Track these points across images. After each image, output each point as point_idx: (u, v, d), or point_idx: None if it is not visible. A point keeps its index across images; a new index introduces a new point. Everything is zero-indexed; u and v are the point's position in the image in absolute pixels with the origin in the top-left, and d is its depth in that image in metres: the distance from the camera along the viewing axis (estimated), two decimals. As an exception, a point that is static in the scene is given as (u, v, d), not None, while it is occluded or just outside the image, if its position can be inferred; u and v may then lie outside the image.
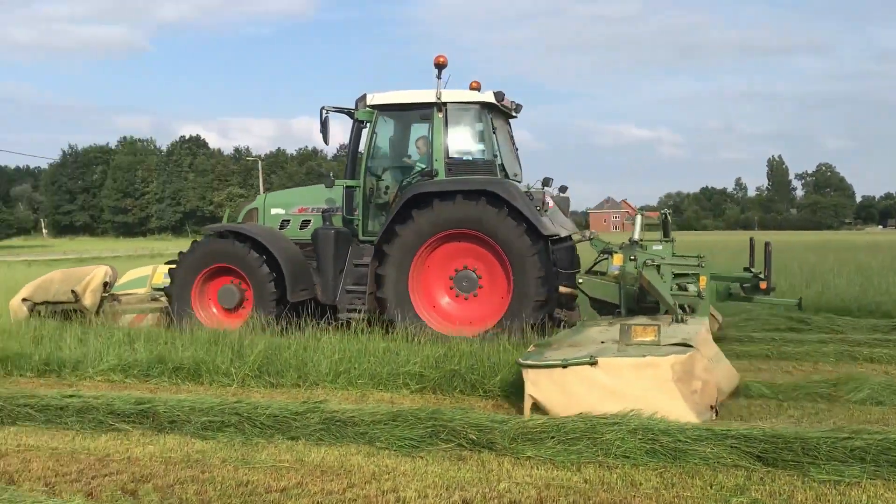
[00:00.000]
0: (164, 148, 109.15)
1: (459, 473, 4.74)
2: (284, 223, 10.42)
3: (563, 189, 10.44)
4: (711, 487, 4.44)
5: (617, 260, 8.53)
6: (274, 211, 10.60)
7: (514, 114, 10.59)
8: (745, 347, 9.03)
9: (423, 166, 9.56)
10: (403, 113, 10.01)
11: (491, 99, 9.55)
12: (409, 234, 9.07)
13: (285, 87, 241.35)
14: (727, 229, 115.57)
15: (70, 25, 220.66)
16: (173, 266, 9.97)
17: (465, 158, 9.54)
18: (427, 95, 9.46)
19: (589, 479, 4.62)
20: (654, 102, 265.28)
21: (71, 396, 6.31)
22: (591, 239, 9.69)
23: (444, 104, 9.40)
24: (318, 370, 7.37)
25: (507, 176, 9.74)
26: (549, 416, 5.64)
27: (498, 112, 9.98)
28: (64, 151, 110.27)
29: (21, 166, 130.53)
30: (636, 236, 8.81)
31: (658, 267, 8.52)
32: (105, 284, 10.32)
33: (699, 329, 7.17)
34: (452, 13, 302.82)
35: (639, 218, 9.05)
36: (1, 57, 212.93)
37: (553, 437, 5.12)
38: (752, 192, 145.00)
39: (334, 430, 5.49)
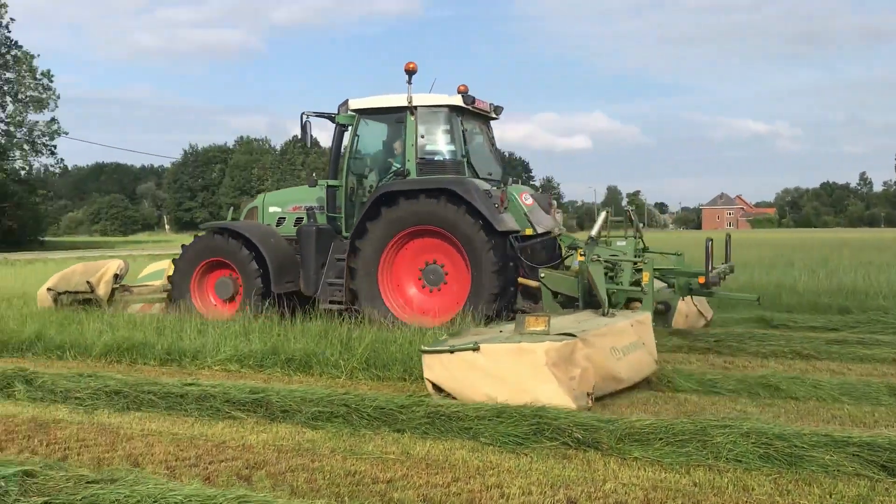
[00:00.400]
0: (278, 147, 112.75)
1: (564, 472, 4.69)
2: (280, 220, 11.16)
3: (544, 188, 11.22)
4: (831, 497, 4.22)
5: (580, 256, 8.88)
6: (272, 209, 11.37)
7: (493, 115, 11.16)
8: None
9: (399, 166, 10.19)
10: (381, 116, 10.61)
11: (459, 102, 10.17)
12: (378, 230, 9.68)
13: (394, 84, 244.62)
14: (849, 226, 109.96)
15: (191, 30, 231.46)
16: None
17: (435, 159, 10.13)
18: (401, 100, 10.11)
19: (698, 482, 4.49)
20: (772, 94, 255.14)
21: (190, 385, 6.60)
22: (559, 235, 10.21)
23: (415, 108, 10.06)
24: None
25: (476, 175, 10.25)
26: (653, 418, 5.51)
27: (471, 114, 10.61)
28: (185, 151, 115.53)
29: (146, 165, 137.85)
30: (593, 232, 9.07)
31: (615, 264, 8.84)
32: (116, 276, 11.36)
33: (616, 321, 7.48)
34: (563, 6, 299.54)
35: (603, 214, 9.42)
36: (128, 61, 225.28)
37: (661, 439, 5.00)
38: (878, 187, 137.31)
39: (439, 424, 5.53)
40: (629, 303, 8.83)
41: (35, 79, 56.07)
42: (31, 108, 55.92)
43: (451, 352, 6.41)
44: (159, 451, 5.16)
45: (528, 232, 10.10)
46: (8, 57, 55.44)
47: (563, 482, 4.51)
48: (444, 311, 9.49)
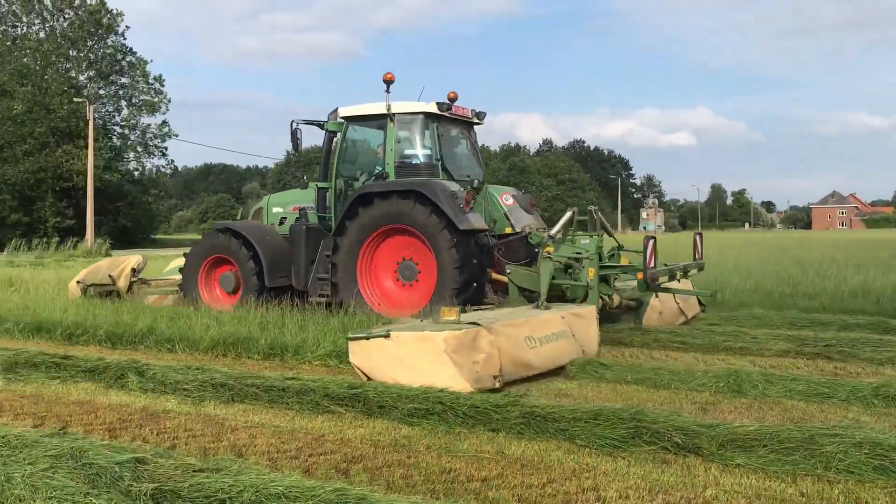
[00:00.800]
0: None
1: (663, 477, 4.58)
2: (282, 220, 11.96)
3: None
4: (952, 513, 3.98)
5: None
6: (275, 210, 12.31)
7: (475, 120, 11.80)
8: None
9: (381, 169, 10.91)
10: (365, 123, 11.35)
11: (433, 109, 10.79)
12: (355, 229, 10.41)
13: (490, 84, 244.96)
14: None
15: (293, 34, 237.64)
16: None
17: (412, 162, 10.88)
18: (382, 107, 10.88)
19: (806, 492, 4.30)
20: (890, 86, 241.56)
21: (292, 379, 6.78)
22: (528, 234, 10.69)
23: (394, 115, 10.81)
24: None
25: (451, 177, 10.83)
26: (723, 419, 5.33)
27: (449, 121, 11.28)
28: (288, 152, 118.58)
29: (251, 166, 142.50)
30: (553, 231, 9.80)
31: (573, 262, 9.45)
32: (133, 271, 12.57)
33: (542, 314, 8.19)
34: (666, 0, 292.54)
35: (568, 214, 10.01)
36: (233, 65, 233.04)
37: (766, 446, 4.82)
38: None
39: (534, 425, 5.49)
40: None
41: (148, 83, 58.74)
42: (144, 111, 58.61)
43: (367, 338, 7.09)
44: (262, 443, 5.31)
45: (508, 230, 10.89)
46: (123, 63, 58.29)
47: (661, 487, 4.40)
48: (417, 304, 9.93)
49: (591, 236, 9.95)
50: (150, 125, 59.20)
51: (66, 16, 57.04)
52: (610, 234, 10.61)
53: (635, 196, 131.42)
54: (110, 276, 12.62)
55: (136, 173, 59.92)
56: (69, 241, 40.61)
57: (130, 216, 56.93)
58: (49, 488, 4.05)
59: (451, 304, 9.05)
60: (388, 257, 10.58)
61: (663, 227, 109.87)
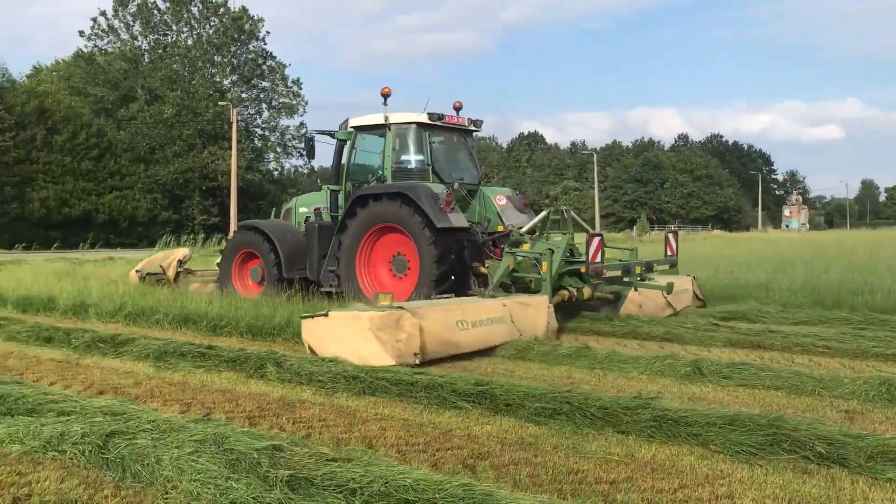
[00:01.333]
0: (504, 145, 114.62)
1: (804, 488, 4.35)
2: (307, 218, 12.98)
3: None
4: None
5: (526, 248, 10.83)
6: (301, 210, 13.47)
7: (472, 128, 12.87)
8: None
9: (381, 173, 12.10)
10: (370, 132, 12.46)
11: (425, 119, 11.93)
12: (354, 227, 11.57)
13: (622, 78, 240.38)
14: None
15: (424, 35, 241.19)
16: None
17: (406, 167, 12.05)
18: (381, 118, 12.10)
19: (967, 512, 3.98)
20: None
21: (420, 374, 6.88)
22: (510, 232, 11.56)
23: (390, 125, 12.01)
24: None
25: (441, 180, 11.91)
26: None
27: (443, 128, 12.43)
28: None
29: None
30: (524, 229, 11.23)
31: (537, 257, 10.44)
32: (179, 262, 14.53)
33: (483, 301, 9.39)
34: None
35: (543, 213, 11.39)
36: (366, 67, 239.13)
37: (921, 460, 4.49)
38: None
39: (666, 428, 5.34)
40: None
41: (287, 87, 61.28)
42: (283, 113, 61.21)
43: (312, 317, 8.28)
44: (391, 435, 5.42)
45: (500, 228, 11.97)
46: (264, 67, 61.02)
47: (802, 498, 4.18)
48: (406, 294, 10.81)
49: (564, 234, 11.02)
50: (288, 127, 61.80)
51: (212, 23, 60.26)
52: (587, 232, 11.14)
53: (777, 193, 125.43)
54: (161, 266, 14.68)
55: (276, 173, 62.60)
56: (214, 237, 42.97)
57: (269, 214, 59.48)
58: (194, 471, 4.29)
59: (428, 292, 10.44)
60: (383, 252, 11.70)
61: (807, 224, 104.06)
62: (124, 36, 60.30)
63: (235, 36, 59.68)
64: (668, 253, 12.05)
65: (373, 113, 12.32)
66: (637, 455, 4.99)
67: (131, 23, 60.26)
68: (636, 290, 11.24)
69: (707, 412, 5.47)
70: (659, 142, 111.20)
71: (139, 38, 60.81)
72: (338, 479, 4.11)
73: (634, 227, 74.73)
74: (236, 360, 7.76)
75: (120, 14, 59.76)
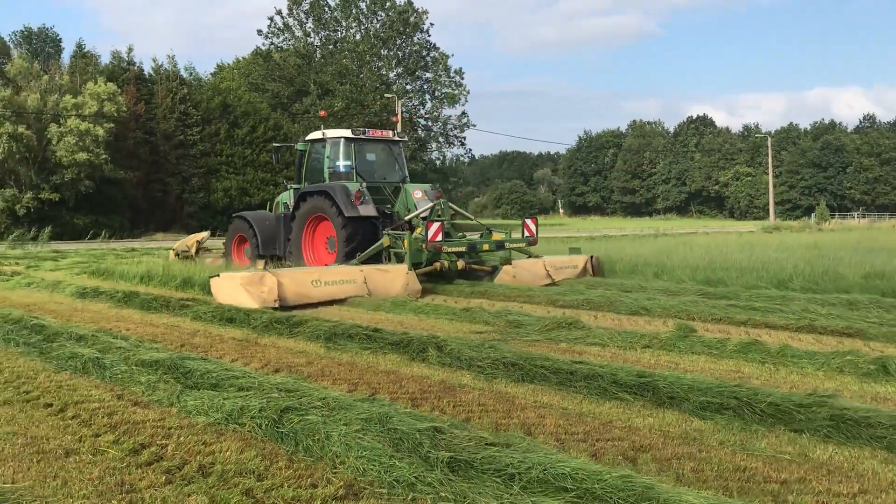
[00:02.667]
0: (671, 129, 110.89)
1: None
2: (286, 208, 16.67)
3: (434, 187, 16.17)
4: None
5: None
6: (284, 202, 17.07)
7: (396, 139, 16.61)
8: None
9: (323, 176, 15.80)
10: (317, 144, 16.33)
11: (349, 134, 15.83)
12: (299, 217, 15.62)
13: (797, 57, 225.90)
14: None
15: (587, 19, 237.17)
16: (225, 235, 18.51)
17: (337, 170, 15.64)
18: (321, 134, 16.07)
19: None
20: None
21: (579, 363, 6.81)
22: (410, 219, 14.95)
23: (327, 139, 15.93)
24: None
25: (364, 180, 15.31)
26: None
27: (368, 140, 16.12)
28: (580, 137, 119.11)
29: (542, 152, 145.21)
30: (409, 216, 14.97)
31: (400, 237, 13.86)
32: (198, 242, 19.43)
33: (339, 268, 13.14)
34: None
35: (429, 204, 14.68)
36: (528, 54, 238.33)
37: None
38: None
39: (845, 429, 5.00)
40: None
41: (449, 77, 62.21)
42: (446, 103, 62.20)
43: (211, 277, 12.36)
44: (550, 423, 5.41)
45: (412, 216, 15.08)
46: (427, 59, 62.24)
47: None
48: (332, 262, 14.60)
49: (443, 220, 13.94)
50: (450, 116, 62.77)
51: (379, 17, 62.13)
52: (469, 219, 16.64)
53: None
54: (187, 245, 19.51)
55: (438, 162, 63.77)
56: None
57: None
58: (360, 448, 4.48)
59: (345, 264, 13.75)
60: (321, 235, 15.55)
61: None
62: (298, 33, 63.41)
63: (401, 29, 61.22)
64: (527, 234, 14.90)
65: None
66: (811, 455, 4.72)
67: (304, 20, 63.26)
68: (510, 263, 14.47)
69: (892, 413, 5.09)
70: (841, 123, 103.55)
71: (311, 35, 63.75)
72: (496, 464, 4.17)
73: (812, 214, 70.08)
74: (400, 342, 8.01)
75: (294, 12, 62.87)
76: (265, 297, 11.20)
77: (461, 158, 69.31)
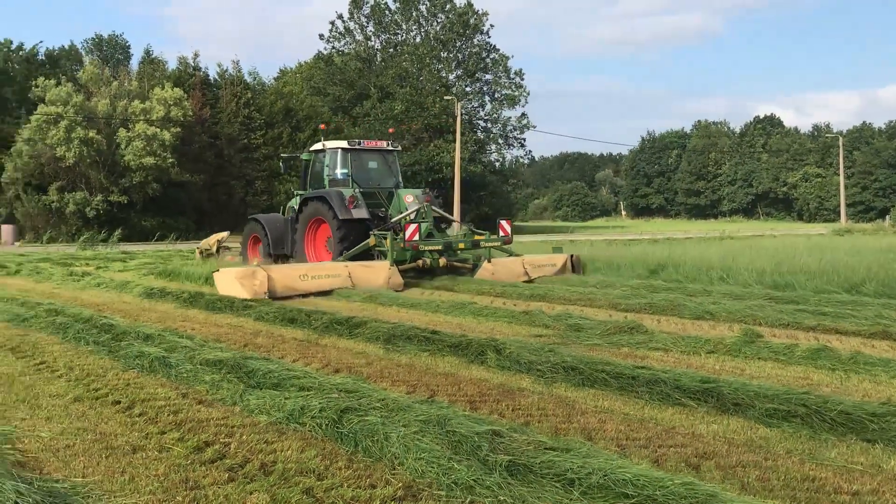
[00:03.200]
0: (737, 129, 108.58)
1: None
2: (294, 212, 17.91)
3: (425, 192, 17.46)
4: None
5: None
6: (293, 207, 18.22)
7: (389, 148, 18.15)
8: None
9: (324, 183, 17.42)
10: (319, 154, 17.98)
11: (346, 145, 17.50)
12: (302, 220, 17.14)
13: (873, 54, 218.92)
14: None
15: (648, 19, 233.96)
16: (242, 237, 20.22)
17: (335, 178, 17.17)
18: (321, 146, 17.84)
19: None
20: None
21: (642, 368, 6.70)
22: (398, 220, 16.29)
23: (326, 150, 17.62)
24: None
25: (360, 187, 16.78)
26: None
27: (363, 150, 17.74)
28: (643, 138, 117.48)
29: (604, 153, 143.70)
30: (395, 218, 16.40)
31: (384, 237, 15.30)
32: (218, 241, 21.48)
33: (328, 265, 14.97)
34: None
35: (415, 207, 16.45)
36: (589, 55, 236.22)
37: None
38: None
39: (920, 440, 4.81)
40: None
41: (509, 78, 61.99)
42: (505, 105, 61.96)
43: (215, 272, 14.26)
44: (611, 429, 5.34)
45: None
46: (487, 60, 62.15)
47: None
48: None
49: (419, 222, 15.55)
50: (510, 118, 62.50)
51: (439, 20, 62.32)
52: (450, 221, 18.77)
53: None
54: (209, 244, 21.56)
55: (497, 164, 63.62)
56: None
57: (491, 204, 60.65)
58: (418, 449, 4.48)
59: (333, 261, 15.64)
60: (321, 236, 17.04)
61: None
62: (359, 37, 64.02)
63: (461, 31, 61.26)
64: (502, 234, 16.57)
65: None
66: (885, 466, 4.55)
67: (365, 24, 63.85)
68: (489, 261, 16.05)
69: (972, 425, 4.87)
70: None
71: (372, 39, 64.32)
72: (556, 468, 4.12)
73: (887, 216, 67.74)
74: (458, 345, 8.00)
75: (355, 16, 63.51)
76: (257, 289, 12.97)
77: (521, 160, 69.05)
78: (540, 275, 16.16)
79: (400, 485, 4.23)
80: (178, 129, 44.03)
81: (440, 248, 15.72)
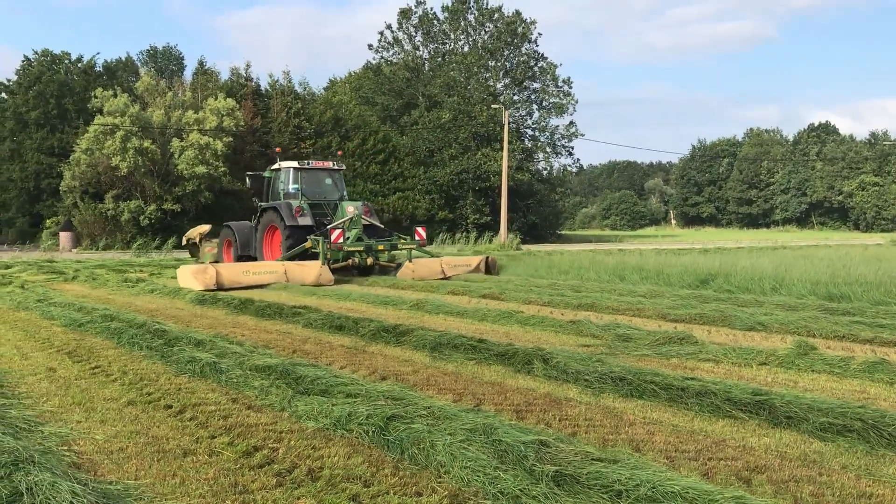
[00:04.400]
0: (790, 137, 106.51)
1: None
2: (257, 219, 21.33)
3: (364, 203, 20.74)
4: None
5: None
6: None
7: (335, 167, 21.91)
8: None
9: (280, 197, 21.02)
10: (276, 173, 21.60)
11: (296, 164, 21.01)
12: (260, 227, 20.62)
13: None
14: None
15: (699, 25, 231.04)
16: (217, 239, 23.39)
17: (288, 191, 20.70)
18: (278, 165, 21.60)
19: None
20: None
21: (691, 379, 6.61)
22: (327, 227, 19.55)
23: (281, 168, 21.38)
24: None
25: (308, 199, 20.11)
26: None
27: (311, 169, 21.36)
28: (693, 146, 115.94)
29: (654, 161, 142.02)
30: (331, 225, 19.23)
31: (319, 241, 18.46)
32: (201, 234, 24.34)
33: (268, 264, 18.29)
34: None
35: (350, 215, 19.59)
36: (638, 62, 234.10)
37: None
38: None
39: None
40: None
41: (557, 86, 61.77)
42: (553, 113, 61.74)
43: (175, 268, 19.23)
44: (659, 440, 5.27)
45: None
46: (535, 69, 62.03)
47: None
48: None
49: (343, 227, 18.87)
50: (557, 126, 62.27)
51: (487, 29, 62.44)
52: (379, 225, 20.62)
53: None
54: (192, 235, 24.71)
55: (545, 172, 63.36)
56: (485, 235, 44.50)
57: (539, 213, 60.39)
58: (464, 458, 4.48)
59: (272, 261, 19.18)
60: (277, 240, 19.99)
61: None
62: (407, 47, 64.46)
63: (508, 40, 61.29)
64: (417, 238, 19.97)
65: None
66: (946, 484, 4.40)
67: (413, 34, 64.29)
68: (410, 261, 19.11)
69: None
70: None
71: (420, 48, 64.70)
72: (603, 480, 4.08)
73: (946, 226, 65.64)
74: (505, 354, 7.98)
75: (404, 26, 63.98)
76: (207, 281, 16.26)
77: (569, 168, 68.64)
78: (455, 273, 19.39)
79: (446, 493, 4.23)
80: (230, 139, 44.80)
81: (362, 249, 18.99)
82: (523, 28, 61.20)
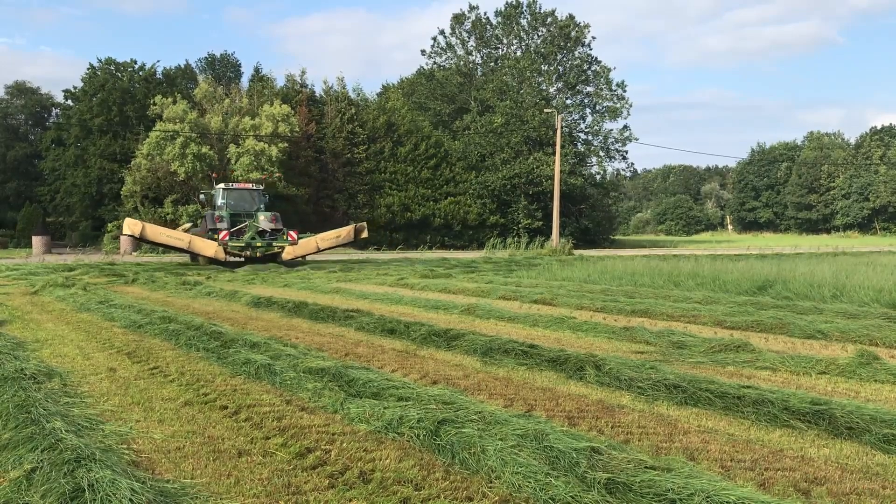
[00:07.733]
0: (852, 141, 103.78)
1: None
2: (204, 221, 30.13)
3: (274, 214, 28.54)
4: None
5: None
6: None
7: (254, 188, 29.77)
8: None
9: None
10: (217, 190, 29.60)
11: (223, 185, 29.44)
12: (201, 226, 28.87)
13: None
14: None
15: (759, 28, 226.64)
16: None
17: (219, 204, 28.89)
18: (216, 187, 30.33)
19: None
20: None
21: (748, 387, 6.47)
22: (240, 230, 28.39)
23: (215, 189, 29.85)
24: None
25: (232, 213, 28.29)
26: None
27: (236, 189, 29.54)
28: (752, 150, 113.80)
29: (710, 166, 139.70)
30: (233, 229, 27.73)
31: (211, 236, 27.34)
32: (185, 230, 29.43)
33: (178, 232, 28.27)
34: None
35: (247, 222, 28.07)
36: (695, 66, 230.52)
37: None
38: None
39: None
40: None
41: (611, 90, 61.26)
42: (607, 117, 61.25)
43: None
44: (714, 449, 5.17)
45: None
46: (589, 73, 61.62)
47: None
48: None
49: (250, 231, 27.25)
50: (611, 130, 61.76)
51: (540, 33, 62.25)
52: (281, 230, 28.01)
53: None
54: (181, 231, 29.35)
55: (598, 177, 62.86)
56: (537, 240, 44.29)
57: (591, 217, 59.93)
58: (515, 464, 4.46)
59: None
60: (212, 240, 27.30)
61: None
62: (460, 52, 64.70)
63: (562, 44, 61.03)
64: (289, 238, 27.37)
65: None
66: None
67: (466, 39, 64.46)
68: (290, 244, 27.16)
69: None
70: None
71: (473, 53, 64.84)
72: (656, 488, 4.03)
73: None
74: (556, 359, 7.93)
75: (456, 32, 64.22)
76: (134, 229, 24.72)
77: (622, 173, 68.01)
78: (327, 246, 28.48)
79: (497, 498, 4.22)
80: (285, 145, 45.47)
81: (244, 244, 26.78)
82: (577, 32, 60.87)
